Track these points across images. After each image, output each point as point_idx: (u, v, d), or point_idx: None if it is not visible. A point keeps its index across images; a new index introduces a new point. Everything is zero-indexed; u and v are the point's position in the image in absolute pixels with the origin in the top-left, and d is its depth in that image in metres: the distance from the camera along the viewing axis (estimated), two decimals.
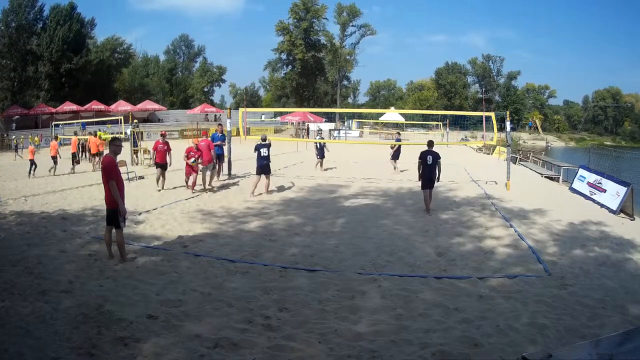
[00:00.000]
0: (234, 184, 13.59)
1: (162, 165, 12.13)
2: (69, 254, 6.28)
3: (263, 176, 11.72)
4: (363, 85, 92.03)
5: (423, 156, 9.96)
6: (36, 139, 29.74)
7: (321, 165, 17.48)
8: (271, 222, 8.71)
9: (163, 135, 12.99)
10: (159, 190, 11.79)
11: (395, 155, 16.85)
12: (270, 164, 11.98)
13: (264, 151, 11.61)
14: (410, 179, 14.36)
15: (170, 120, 46.93)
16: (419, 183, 10.13)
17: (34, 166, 15.96)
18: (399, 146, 17.02)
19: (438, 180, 10.10)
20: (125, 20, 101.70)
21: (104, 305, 4.51)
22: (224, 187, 12.96)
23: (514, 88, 77.63)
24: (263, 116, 50.27)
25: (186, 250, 6.62)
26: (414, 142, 32.04)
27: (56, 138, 18.72)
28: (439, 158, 9.96)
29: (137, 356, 3.65)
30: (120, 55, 58.34)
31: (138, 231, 7.69)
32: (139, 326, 4.13)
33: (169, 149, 12.46)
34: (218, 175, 13.56)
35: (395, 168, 16.82)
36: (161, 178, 12.04)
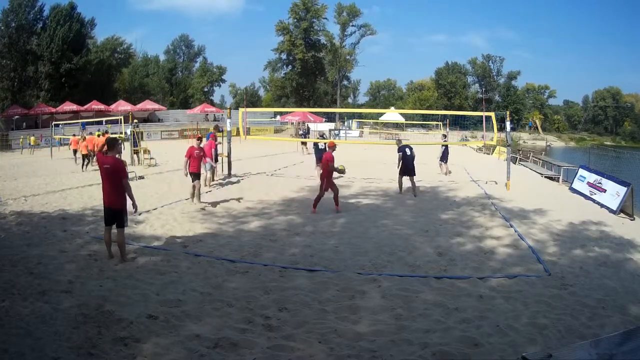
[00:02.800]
0: (234, 183, 13.58)
1: (197, 175, 10.40)
2: (69, 254, 6.28)
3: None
4: (363, 85, 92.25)
5: (402, 149, 12.02)
6: (32, 138, 29.83)
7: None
8: (271, 222, 8.71)
9: (199, 139, 10.97)
10: (202, 206, 9.96)
11: (444, 157, 16.67)
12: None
13: (321, 145, 14.26)
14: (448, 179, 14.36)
15: (170, 120, 46.93)
16: (420, 183, 11.12)
17: (86, 160, 17.47)
18: (447, 147, 16.90)
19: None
20: (125, 20, 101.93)
21: (104, 305, 4.51)
22: (223, 186, 12.96)
23: (514, 88, 77.65)
24: (278, 116, 50.08)
25: (186, 250, 6.62)
26: (415, 142, 32.09)
27: (103, 134, 19.24)
28: (412, 148, 12.33)
29: (137, 356, 3.65)
30: (120, 55, 58.33)
31: (138, 231, 7.69)
32: (139, 326, 4.13)
33: (204, 155, 10.96)
34: (213, 176, 13.47)
35: (445, 171, 16.67)
36: (196, 191, 10.29)
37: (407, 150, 11.96)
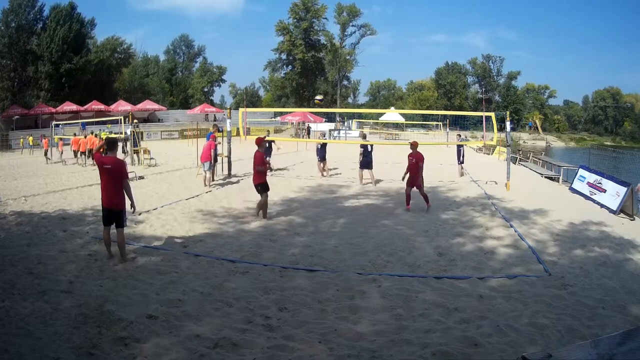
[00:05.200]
0: (234, 184, 13.58)
1: (264, 187, 8.90)
2: (69, 254, 6.28)
3: (325, 162, 15.78)
4: (363, 85, 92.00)
5: (364, 147, 13.83)
6: (30, 138, 29.90)
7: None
8: (271, 222, 8.71)
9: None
10: (265, 223, 8.64)
11: (460, 159, 16.53)
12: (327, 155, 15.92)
13: (324, 145, 15.88)
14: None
15: (170, 120, 46.91)
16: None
17: (82, 156, 19.07)
18: (462, 148, 16.72)
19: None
20: (125, 20, 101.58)
21: (104, 305, 4.51)
22: (223, 186, 12.96)
23: (514, 88, 77.53)
24: (279, 118, 49.74)
25: (186, 250, 6.63)
26: (423, 143, 32.06)
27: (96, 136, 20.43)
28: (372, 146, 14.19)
29: (137, 356, 3.65)
30: (120, 55, 58.26)
31: (138, 231, 7.69)
32: (139, 326, 4.13)
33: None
34: (213, 176, 13.44)
35: (462, 173, 16.54)
36: (261, 206, 8.97)
37: (369, 147, 13.87)
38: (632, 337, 2.31)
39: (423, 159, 10.12)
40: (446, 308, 4.74)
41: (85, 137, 19.87)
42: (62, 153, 21.25)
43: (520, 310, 4.67)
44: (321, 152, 15.78)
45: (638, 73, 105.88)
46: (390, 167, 16.96)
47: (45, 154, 21.39)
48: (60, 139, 22.70)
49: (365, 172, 13.89)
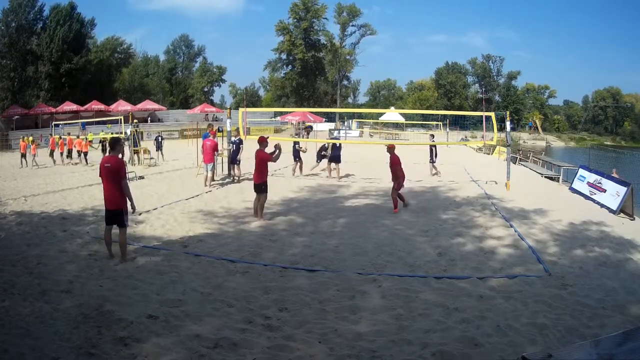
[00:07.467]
0: (234, 183, 13.58)
1: (261, 187, 8.96)
2: (69, 254, 6.29)
3: (300, 163, 15.90)
4: (363, 85, 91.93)
5: (333, 144, 14.99)
6: (30, 138, 29.88)
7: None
8: (272, 222, 8.71)
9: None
10: (263, 223, 8.57)
11: (432, 158, 16.64)
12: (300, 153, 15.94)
13: (297, 145, 15.95)
14: (443, 180, 14.36)
15: (170, 120, 46.89)
16: (420, 183, 11.23)
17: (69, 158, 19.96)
18: (435, 148, 16.76)
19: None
20: (125, 20, 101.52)
21: (104, 305, 4.51)
22: (223, 186, 12.97)
23: (514, 88, 77.50)
24: (279, 118, 49.63)
25: (186, 250, 6.63)
26: (415, 142, 32.06)
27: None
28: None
29: (137, 356, 3.65)
30: (120, 55, 58.26)
31: (138, 231, 7.69)
32: (139, 326, 4.13)
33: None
34: (213, 176, 13.45)
35: (435, 172, 16.57)
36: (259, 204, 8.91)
37: (338, 143, 15.30)
38: (632, 337, 2.31)
39: (398, 162, 9.99)
40: (446, 308, 4.73)
41: (61, 137, 20.04)
42: (35, 156, 19.74)
43: (520, 310, 4.67)
44: (296, 152, 15.71)
45: (638, 73, 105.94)
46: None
47: (23, 157, 19.78)
48: (33, 141, 22.06)
49: (333, 165, 14.94)
